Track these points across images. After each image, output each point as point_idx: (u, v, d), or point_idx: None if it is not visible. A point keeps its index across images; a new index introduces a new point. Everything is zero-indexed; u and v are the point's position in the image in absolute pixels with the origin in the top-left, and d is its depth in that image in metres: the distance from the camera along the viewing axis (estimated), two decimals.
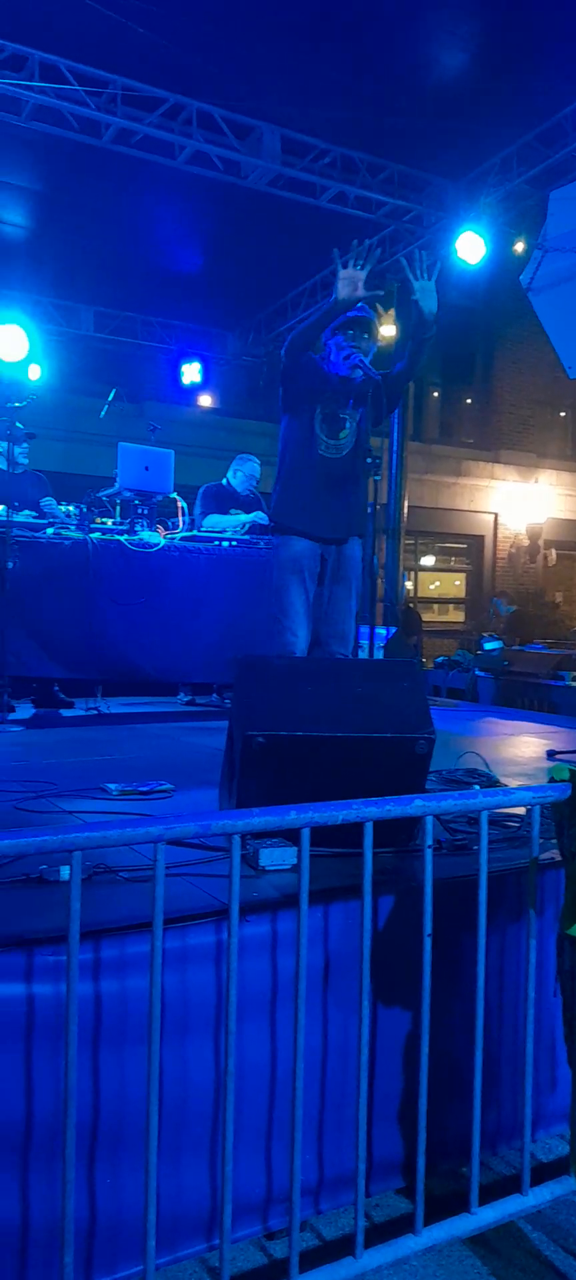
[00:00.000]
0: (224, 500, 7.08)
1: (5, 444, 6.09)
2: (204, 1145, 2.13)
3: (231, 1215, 1.86)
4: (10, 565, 5.44)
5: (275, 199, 9.74)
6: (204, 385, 14.65)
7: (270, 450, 5.03)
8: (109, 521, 6.32)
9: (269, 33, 7.68)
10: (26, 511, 5.93)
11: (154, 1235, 1.75)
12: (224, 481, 7.26)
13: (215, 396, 16.95)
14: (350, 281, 4.08)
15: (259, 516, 6.81)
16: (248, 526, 6.75)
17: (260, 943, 2.21)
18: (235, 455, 7.41)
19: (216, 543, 6.46)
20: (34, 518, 5.91)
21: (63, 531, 5.87)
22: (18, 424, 6.33)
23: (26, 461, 6.48)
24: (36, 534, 5.75)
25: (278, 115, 9.02)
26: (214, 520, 6.83)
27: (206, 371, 14.33)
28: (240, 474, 7.24)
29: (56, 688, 6.72)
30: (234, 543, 6.53)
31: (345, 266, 4.08)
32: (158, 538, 6.16)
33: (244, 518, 6.85)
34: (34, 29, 7.79)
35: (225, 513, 6.93)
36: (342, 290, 4.09)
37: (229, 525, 6.75)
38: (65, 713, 6.45)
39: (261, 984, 2.20)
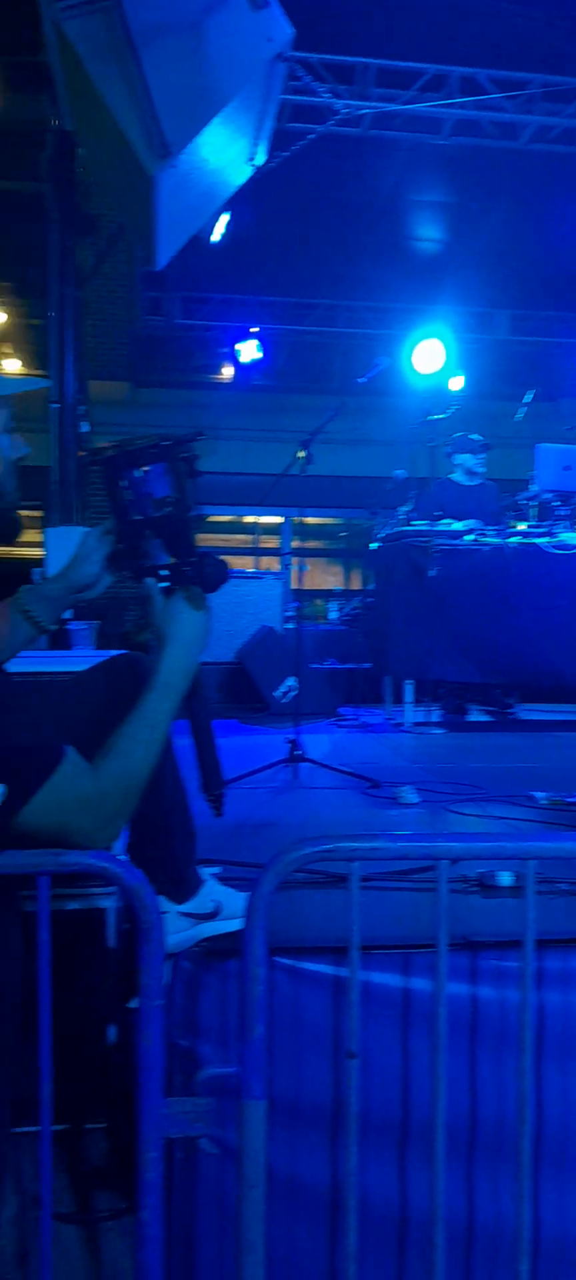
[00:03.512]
0: None
1: (465, 457, 6.49)
2: None
3: None
4: (431, 573, 5.60)
5: None
6: None
7: None
8: (525, 525, 6.25)
9: None
10: (445, 520, 6.07)
11: None
12: None
13: None
14: None
15: None
16: None
17: None
18: None
19: None
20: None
21: (481, 538, 5.92)
22: (472, 435, 6.51)
23: (484, 470, 6.62)
24: (456, 541, 5.86)
25: None
26: None
27: None
28: None
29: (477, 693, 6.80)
30: None
31: None
32: None
33: None
34: (450, 45, 7.93)
35: None
36: None
37: None
38: (483, 717, 6.50)
39: None
